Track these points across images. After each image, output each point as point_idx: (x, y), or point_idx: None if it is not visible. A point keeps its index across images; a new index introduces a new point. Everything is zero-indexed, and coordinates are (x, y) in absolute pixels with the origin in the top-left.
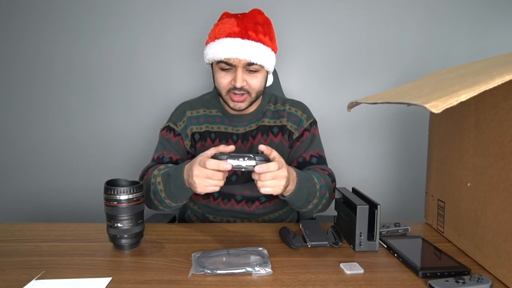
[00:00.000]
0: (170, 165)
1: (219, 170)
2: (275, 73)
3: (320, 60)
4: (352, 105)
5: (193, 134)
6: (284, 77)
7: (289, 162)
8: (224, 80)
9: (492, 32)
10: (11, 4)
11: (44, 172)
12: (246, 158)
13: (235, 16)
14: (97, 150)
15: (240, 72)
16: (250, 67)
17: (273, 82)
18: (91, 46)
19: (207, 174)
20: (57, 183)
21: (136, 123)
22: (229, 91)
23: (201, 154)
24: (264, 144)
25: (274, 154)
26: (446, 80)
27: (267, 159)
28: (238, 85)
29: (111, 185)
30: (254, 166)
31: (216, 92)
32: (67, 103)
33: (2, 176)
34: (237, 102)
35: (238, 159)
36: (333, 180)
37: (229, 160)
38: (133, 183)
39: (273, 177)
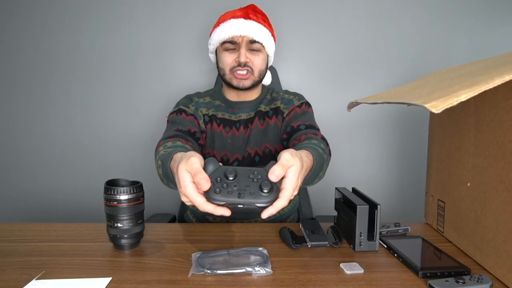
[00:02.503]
0: (178, 143)
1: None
2: (275, 72)
3: (320, 60)
4: (352, 105)
5: (204, 116)
6: (284, 77)
7: (281, 138)
8: (228, 58)
9: (492, 32)
10: (11, 4)
11: (44, 172)
12: (245, 204)
13: (237, 8)
14: (98, 150)
15: (243, 49)
16: (252, 45)
17: (273, 82)
18: (91, 45)
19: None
20: (57, 183)
21: (136, 123)
22: (232, 69)
23: (187, 174)
24: (261, 128)
25: (288, 165)
26: (446, 80)
27: (272, 201)
28: (242, 59)
29: (111, 185)
30: (257, 207)
31: (219, 86)
32: (68, 102)
33: (2, 176)
34: (241, 79)
35: (237, 202)
36: (327, 144)
37: (229, 201)
38: (133, 183)
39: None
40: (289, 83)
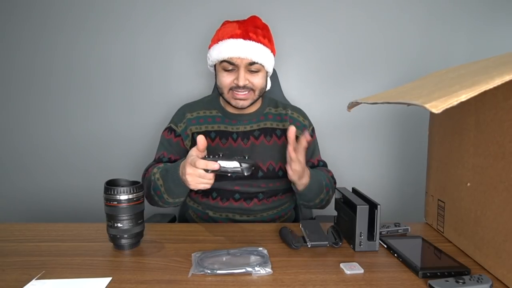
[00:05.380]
0: (168, 164)
1: (208, 170)
2: (274, 73)
3: (320, 60)
4: (352, 105)
5: (193, 134)
6: (284, 77)
7: None
8: (226, 79)
9: (492, 32)
10: (11, 4)
11: (44, 172)
12: (233, 161)
13: (236, 21)
14: (97, 150)
15: (242, 71)
16: (251, 67)
17: (273, 82)
18: (91, 46)
19: (199, 174)
20: (57, 183)
21: (136, 123)
22: (231, 89)
23: (189, 154)
24: (268, 145)
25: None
26: (446, 80)
27: (253, 164)
28: (241, 83)
29: (111, 185)
30: (240, 169)
31: (216, 94)
32: (67, 103)
33: (2, 176)
34: (240, 100)
35: (225, 161)
36: (335, 182)
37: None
38: (133, 183)
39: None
40: (289, 83)
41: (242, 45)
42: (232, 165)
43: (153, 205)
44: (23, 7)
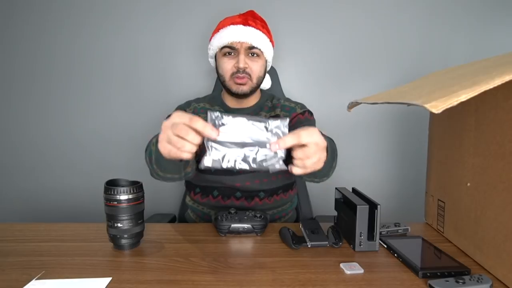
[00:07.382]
0: None
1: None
2: (274, 72)
3: (320, 60)
4: (352, 105)
5: None
6: (284, 77)
7: None
8: (227, 64)
9: (492, 32)
10: (11, 4)
11: (44, 172)
12: (247, 223)
13: (236, 14)
14: (97, 150)
15: (242, 55)
16: (251, 51)
17: (273, 82)
18: (91, 46)
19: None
20: (57, 183)
21: (136, 123)
22: (232, 75)
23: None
24: None
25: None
26: (446, 80)
27: (266, 223)
28: (241, 65)
29: (111, 185)
30: (253, 230)
31: (218, 91)
32: (68, 102)
33: (2, 176)
34: (240, 85)
35: (239, 225)
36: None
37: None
38: (133, 183)
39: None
40: (289, 83)
41: (242, 30)
42: (245, 226)
43: (152, 176)
44: (23, 7)
